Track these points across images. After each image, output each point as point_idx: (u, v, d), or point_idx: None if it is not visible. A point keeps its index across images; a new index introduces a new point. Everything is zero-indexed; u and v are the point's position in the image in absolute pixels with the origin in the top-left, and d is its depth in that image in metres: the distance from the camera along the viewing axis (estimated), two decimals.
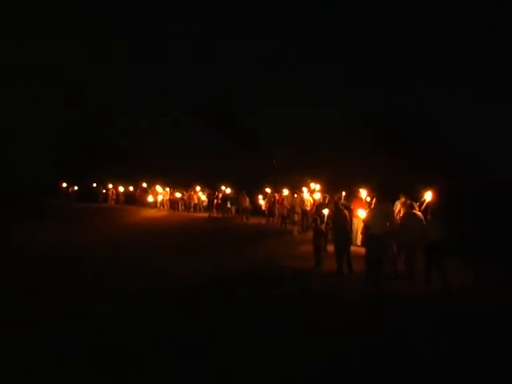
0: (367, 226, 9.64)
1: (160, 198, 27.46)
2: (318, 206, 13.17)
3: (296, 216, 17.14)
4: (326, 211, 11.57)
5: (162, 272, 10.79)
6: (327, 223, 11.56)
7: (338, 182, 16.08)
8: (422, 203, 10.22)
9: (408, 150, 28.73)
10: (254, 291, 8.89)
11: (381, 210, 9.44)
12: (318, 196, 15.52)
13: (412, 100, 36.24)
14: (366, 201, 12.94)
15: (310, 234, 12.52)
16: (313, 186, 17.85)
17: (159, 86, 49.80)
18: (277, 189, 20.79)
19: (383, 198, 9.95)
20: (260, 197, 23.03)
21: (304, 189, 18.27)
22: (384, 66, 41.42)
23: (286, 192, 20.00)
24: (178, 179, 28.02)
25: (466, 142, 31.32)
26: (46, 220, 21.86)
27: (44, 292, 8.96)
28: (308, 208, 16.28)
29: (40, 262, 12.21)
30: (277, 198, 20.69)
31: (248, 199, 23.30)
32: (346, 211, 10.92)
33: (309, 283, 9.58)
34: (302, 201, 17.06)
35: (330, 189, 15.55)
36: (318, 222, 11.36)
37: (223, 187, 25.09)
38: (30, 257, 12.95)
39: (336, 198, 12.16)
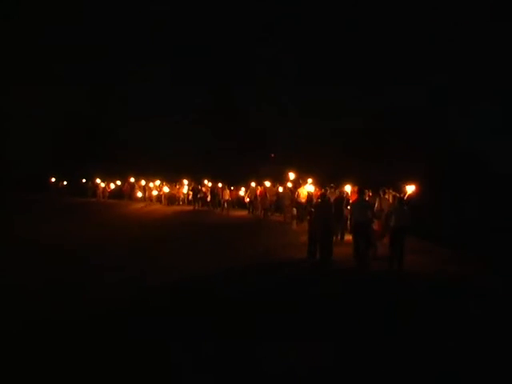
0: (353, 215, 10.73)
1: (155, 192, 27.66)
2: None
3: (294, 210, 17.17)
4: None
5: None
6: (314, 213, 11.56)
7: (335, 176, 16.58)
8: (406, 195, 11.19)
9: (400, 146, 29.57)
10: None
11: (364, 202, 10.72)
12: (311, 189, 15.62)
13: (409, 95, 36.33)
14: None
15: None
16: (292, 176, 18.65)
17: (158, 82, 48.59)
18: (274, 182, 20.86)
19: (367, 192, 11.06)
20: (243, 189, 23.67)
21: (289, 183, 19.11)
22: (383, 63, 41.43)
23: (267, 184, 20.56)
24: (170, 174, 28.38)
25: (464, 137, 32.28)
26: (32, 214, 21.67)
27: None
28: (303, 200, 16.49)
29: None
30: (259, 190, 21.10)
31: (229, 192, 24.05)
32: (331, 203, 11.65)
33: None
34: (297, 194, 17.10)
35: (327, 182, 16.10)
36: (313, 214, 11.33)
37: (206, 181, 25.74)
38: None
39: (325, 190, 12.92)
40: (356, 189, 13.04)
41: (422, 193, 11.68)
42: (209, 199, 24.84)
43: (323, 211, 10.92)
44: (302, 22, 49.38)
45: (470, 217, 15.64)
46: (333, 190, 14.86)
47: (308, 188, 15.17)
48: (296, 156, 30.33)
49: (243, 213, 22.29)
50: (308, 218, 11.84)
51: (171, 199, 26.56)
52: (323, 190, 13.14)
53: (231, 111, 39.90)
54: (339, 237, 13.31)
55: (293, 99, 43.11)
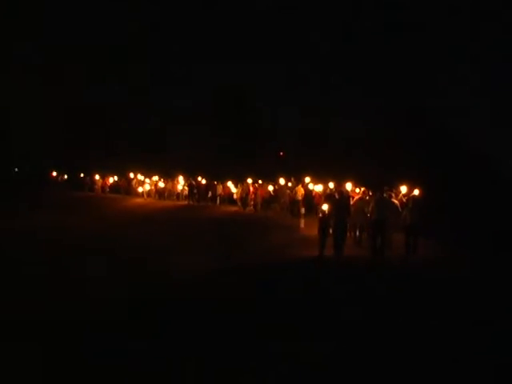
0: (372, 213, 11.28)
1: (147, 187, 28.14)
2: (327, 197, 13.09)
3: (303, 209, 17.00)
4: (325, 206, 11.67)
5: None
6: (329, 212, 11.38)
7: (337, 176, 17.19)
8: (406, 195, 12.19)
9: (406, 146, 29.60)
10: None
11: (384, 201, 11.43)
12: (319, 188, 16.30)
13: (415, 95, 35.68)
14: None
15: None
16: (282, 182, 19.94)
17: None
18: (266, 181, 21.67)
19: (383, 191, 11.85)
20: (232, 185, 24.27)
21: (281, 181, 20.37)
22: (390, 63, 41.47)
23: (260, 182, 21.68)
24: (169, 170, 28.77)
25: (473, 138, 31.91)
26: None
27: None
28: (299, 198, 17.79)
29: None
30: (252, 188, 21.83)
31: (221, 187, 25.05)
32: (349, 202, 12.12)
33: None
34: (294, 191, 18.44)
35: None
36: (325, 211, 11.30)
37: (200, 177, 26.54)
38: None
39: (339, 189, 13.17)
40: (354, 188, 14.26)
41: (425, 194, 12.19)
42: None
43: (342, 208, 11.19)
44: (300, 21, 49.49)
45: (473, 218, 16.53)
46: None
47: (316, 187, 16.10)
48: (302, 156, 31.37)
49: (234, 208, 22.62)
50: (320, 215, 11.60)
51: (165, 194, 27.24)
52: (332, 189, 13.99)
53: (236, 109, 39.76)
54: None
55: (296, 100, 43.75)
